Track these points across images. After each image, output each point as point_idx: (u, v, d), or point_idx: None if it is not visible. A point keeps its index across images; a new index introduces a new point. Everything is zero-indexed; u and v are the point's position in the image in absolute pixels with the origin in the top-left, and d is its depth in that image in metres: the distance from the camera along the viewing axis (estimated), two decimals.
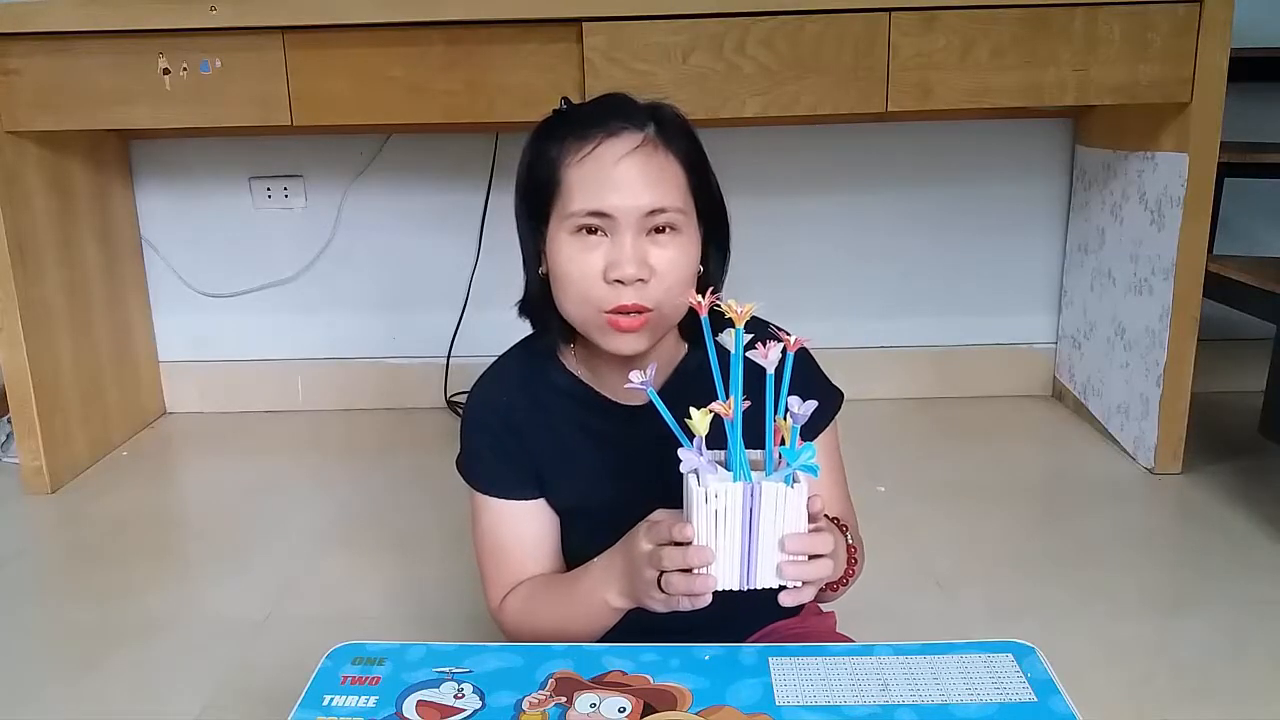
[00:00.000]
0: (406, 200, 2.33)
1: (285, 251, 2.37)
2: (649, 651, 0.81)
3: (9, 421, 1.98)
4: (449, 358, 2.38)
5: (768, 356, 0.73)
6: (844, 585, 0.87)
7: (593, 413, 0.95)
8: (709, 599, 0.76)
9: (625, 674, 0.78)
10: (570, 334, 0.92)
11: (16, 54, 1.78)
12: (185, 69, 1.77)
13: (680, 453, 0.75)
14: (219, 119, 1.82)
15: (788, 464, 0.74)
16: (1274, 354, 1.81)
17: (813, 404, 0.74)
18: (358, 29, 1.74)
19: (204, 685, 1.30)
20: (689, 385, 0.86)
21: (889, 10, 1.70)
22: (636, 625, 0.86)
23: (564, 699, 0.75)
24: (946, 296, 2.38)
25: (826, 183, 2.32)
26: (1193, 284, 1.81)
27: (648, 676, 0.78)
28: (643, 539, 0.80)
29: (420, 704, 0.75)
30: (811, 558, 0.76)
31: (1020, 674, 0.77)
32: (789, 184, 2.29)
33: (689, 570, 0.76)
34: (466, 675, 0.78)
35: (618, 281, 0.84)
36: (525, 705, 0.74)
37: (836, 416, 0.99)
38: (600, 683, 0.77)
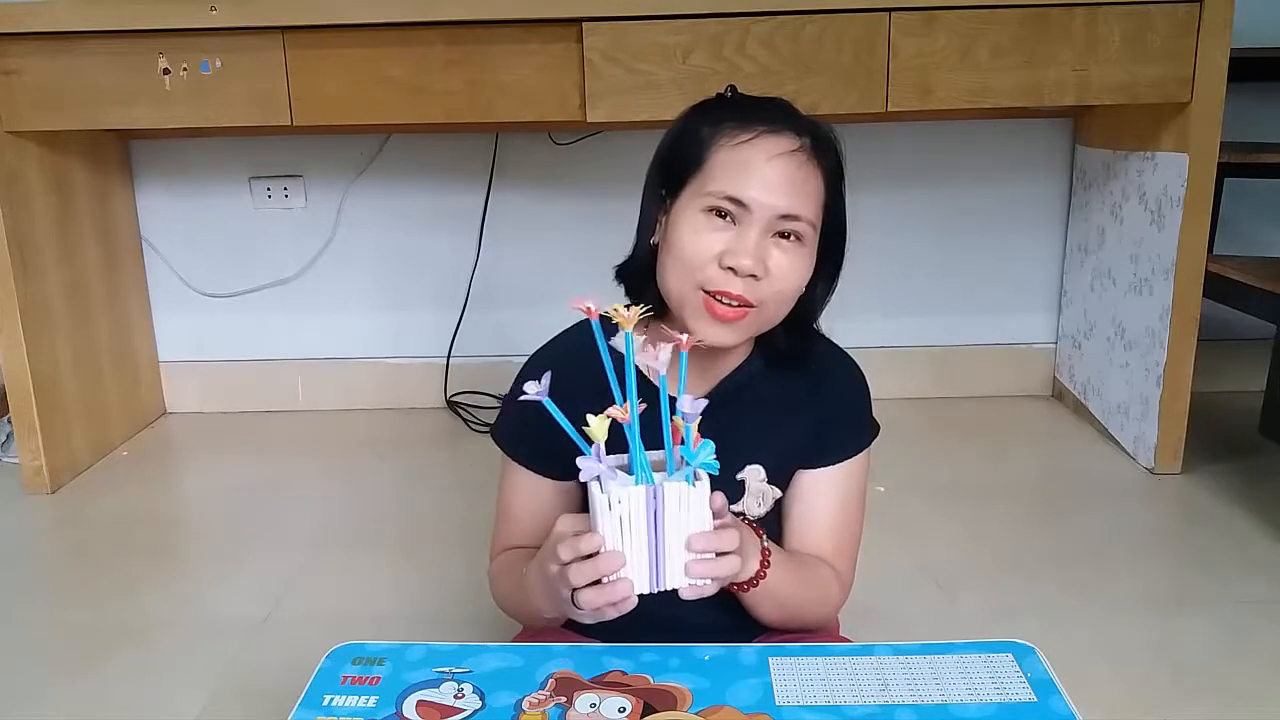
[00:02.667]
0: (406, 200, 2.33)
1: (285, 251, 2.37)
2: (649, 651, 0.81)
3: (9, 421, 1.98)
4: (449, 358, 2.38)
5: (658, 357, 0.73)
6: (754, 585, 0.85)
7: (647, 400, 0.95)
8: (634, 601, 0.76)
9: (625, 674, 0.78)
10: (660, 309, 0.91)
11: (16, 54, 1.78)
12: (185, 69, 1.77)
13: (579, 461, 0.75)
14: (219, 119, 1.82)
15: (688, 463, 0.74)
16: (1274, 354, 1.80)
17: (703, 401, 0.74)
18: (357, 29, 1.74)
19: (204, 685, 1.30)
20: (741, 389, 0.87)
21: (889, 10, 1.70)
22: (637, 623, 0.86)
23: (564, 699, 0.75)
24: (946, 296, 2.38)
25: None
26: (1193, 284, 1.81)
27: (648, 676, 0.78)
28: (549, 561, 0.79)
29: (420, 704, 0.75)
30: (718, 554, 0.77)
31: (1020, 674, 0.77)
32: None
33: (600, 581, 0.75)
34: (466, 675, 0.78)
35: (730, 269, 0.84)
36: (525, 705, 0.74)
37: (869, 449, 0.99)
38: (600, 683, 0.77)
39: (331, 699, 0.76)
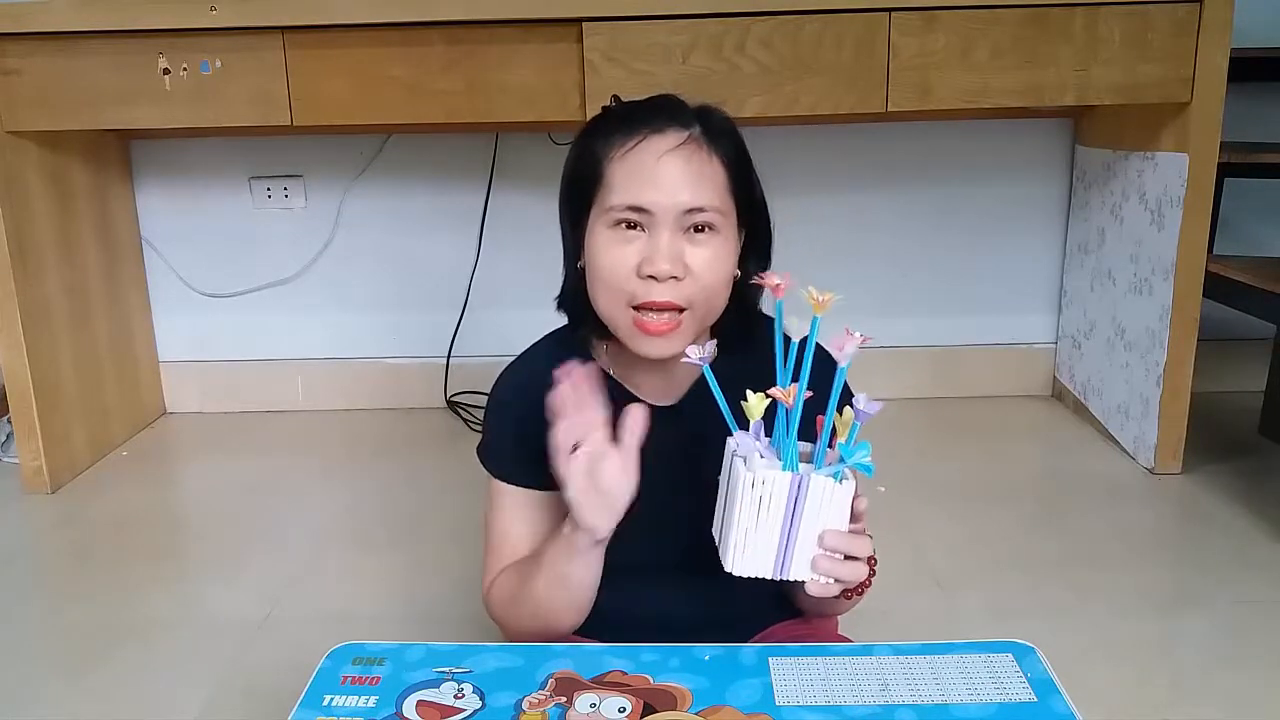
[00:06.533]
0: (406, 200, 2.33)
1: (285, 251, 2.37)
2: (649, 651, 0.81)
3: (9, 421, 1.98)
4: (449, 358, 2.38)
5: (843, 349, 0.72)
6: (859, 594, 0.86)
7: (622, 409, 0.94)
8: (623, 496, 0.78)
9: (625, 674, 0.78)
10: (605, 330, 0.91)
11: (16, 54, 1.78)
12: (185, 69, 1.77)
13: (736, 435, 0.75)
14: (219, 119, 1.82)
15: (842, 460, 0.73)
16: (1274, 354, 1.81)
17: (879, 404, 0.73)
18: (358, 29, 1.74)
19: (204, 685, 1.30)
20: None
21: (889, 10, 1.70)
22: (636, 623, 0.86)
23: (564, 699, 0.75)
24: (946, 296, 2.38)
25: (826, 183, 2.32)
26: (1193, 284, 1.81)
27: (648, 676, 0.77)
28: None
29: (420, 704, 0.75)
30: (846, 558, 0.76)
31: (1020, 674, 0.77)
32: (789, 184, 2.29)
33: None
34: (466, 675, 0.78)
35: (650, 277, 0.84)
36: (525, 705, 0.74)
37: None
38: (600, 683, 0.77)
39: (331, 699, 0.76)
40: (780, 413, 0.74)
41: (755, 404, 0.73)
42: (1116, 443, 2.06)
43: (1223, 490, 1.83)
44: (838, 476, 0.74)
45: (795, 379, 0.74)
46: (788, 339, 0.75)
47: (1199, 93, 1.74)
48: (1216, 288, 1.81)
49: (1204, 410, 1.97)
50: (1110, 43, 1.72)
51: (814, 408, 0.75)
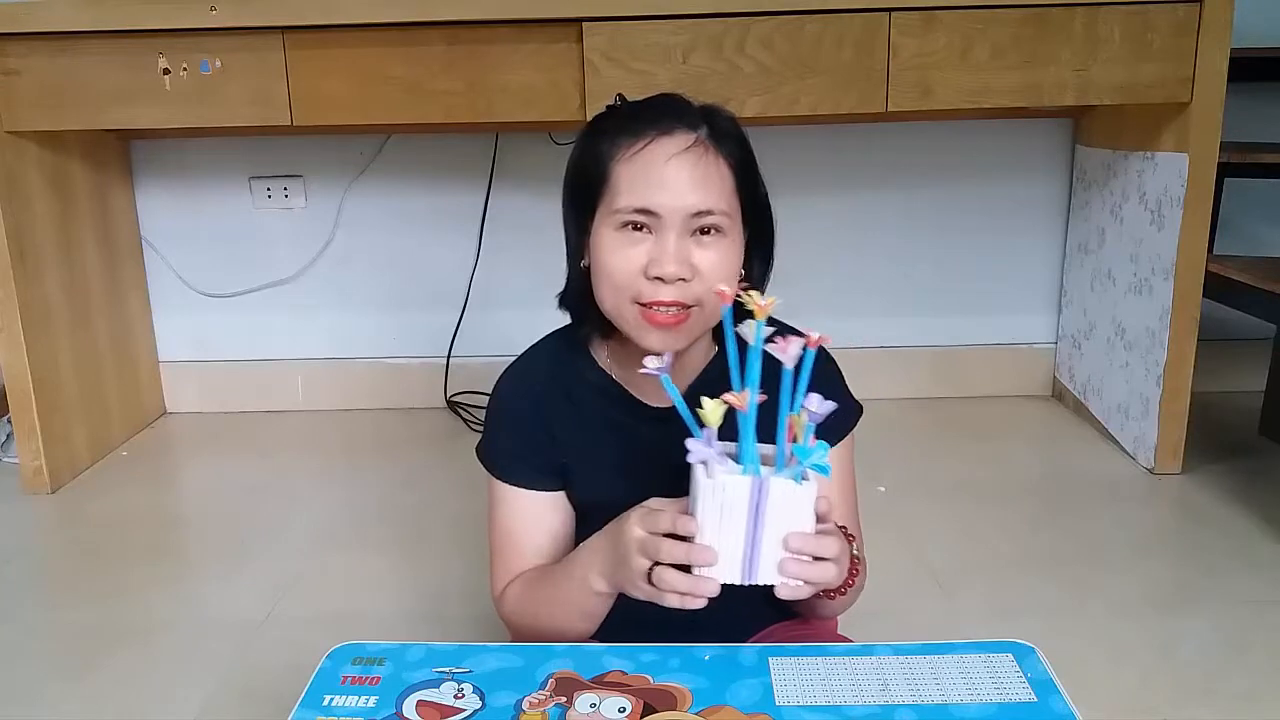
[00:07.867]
0: (406, 200, 2.33)
1: (285, 251, 2.37)
2: (649, 651, 0.81)
3: (9, 421, 1.98)
4: (449, 358, 2.38)
5: (787, 351, 0.72)
6: (842, 594, 0.85)
7: (623, 411, 0.94)
8: (703, 603, 0.75)
9: (625, 674, 0.78)
10: (607, 330, 0.91)
11: (16, 54, 1.78)
12: (185, 69, 1.78)
13: (689, 443, 0.74)
14: (219, 119, 1.82)
15: (799, 461, 0.73)
16: (1274, 354, 1.81)
17: (831, 404, 0.73)
18: (358, 29, 1.74)
19: (204, 685, 1.30)
20: (714, 388, 0.86)
21: (889, 10, 1.70)
22: (636, 623, 0.86)
23: (564, 699, 0.75)
24: (946, 296, 2.38)
25: (826, 183, 2.32)
26: (1193, 284, 1.81)
27: (648, 676, 0.77)
28: (635, 524, 0.78)
29: (420, 704, 0.75)
30: (815, 559, 0.75)
31: (1020, 674, 0.77)
32: (789, 184, 2.27)
33: (687, 569, 0.75)
34: (466, 675, 0.78)
35: (658, 279, 0.84)
36: (525, 705, 0.74)
37: (854, 430, 0.99)
38: (600, 683, 0.77)
39: (331, 699, 0.76)
40: (739, 417, 0.74)
41: (712, 410, 0.73)
42: (1116, 443, 2.06)
43: (1223, 490, 1.83)
44: (798, 478, 0.73)
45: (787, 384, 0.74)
46: (742, 344, 0.75)
47: (1199, 93, 1.74)
48: (1216, 288, 1.81)
49: (1204, 410, 1.98)
50: (1110, 43, 1.72)
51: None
